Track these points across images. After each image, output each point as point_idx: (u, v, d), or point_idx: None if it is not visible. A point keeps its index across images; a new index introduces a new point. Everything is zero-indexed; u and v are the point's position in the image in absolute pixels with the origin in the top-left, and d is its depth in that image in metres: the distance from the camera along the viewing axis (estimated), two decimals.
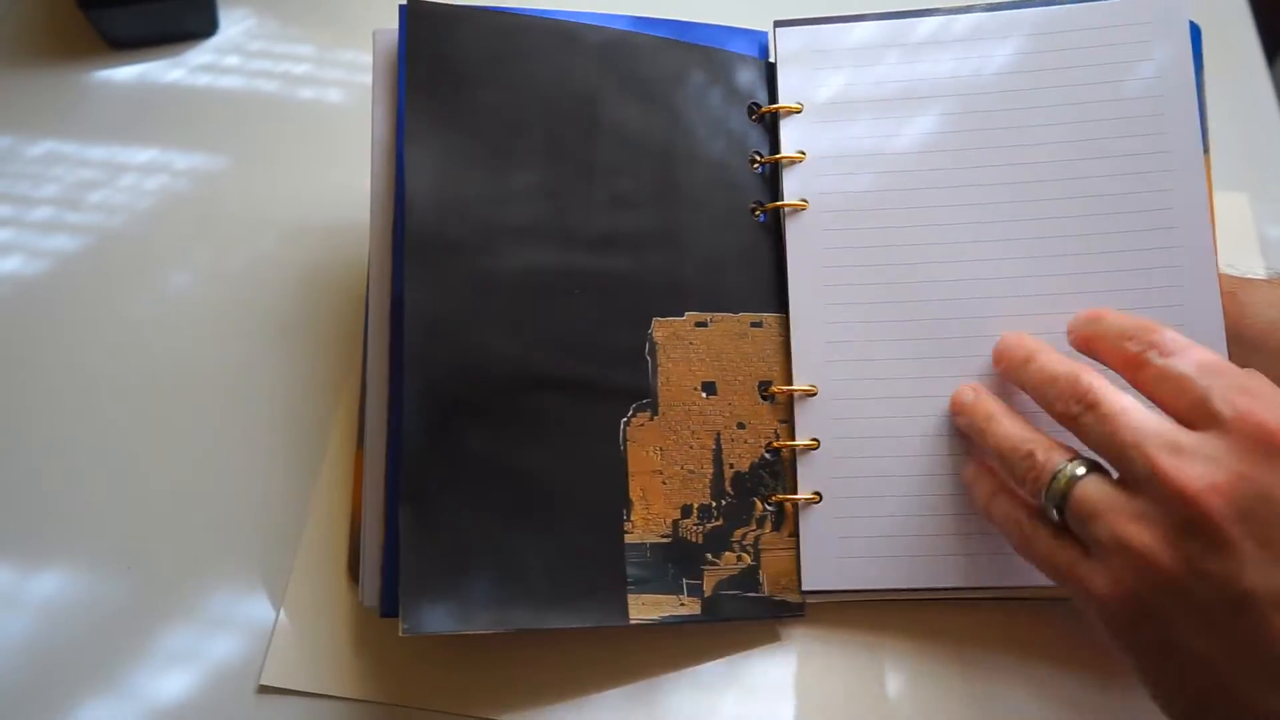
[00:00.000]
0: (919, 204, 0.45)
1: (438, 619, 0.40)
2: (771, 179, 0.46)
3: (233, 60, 0.60)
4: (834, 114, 0.46)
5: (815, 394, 0.44)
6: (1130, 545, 0.33)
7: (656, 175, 0.45)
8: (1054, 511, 0.36)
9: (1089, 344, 0.39)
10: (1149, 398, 0.36)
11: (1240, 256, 0.52)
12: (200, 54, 0.60)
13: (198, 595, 0.45)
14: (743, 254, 0.46)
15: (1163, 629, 0.33)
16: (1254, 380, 0.34)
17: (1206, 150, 0.44)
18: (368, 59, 0.59)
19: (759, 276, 0.46)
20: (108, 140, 0.56)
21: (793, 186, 0.46)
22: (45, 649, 0.44)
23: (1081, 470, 0.35)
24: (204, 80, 0.59)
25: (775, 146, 0.46)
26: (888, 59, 0.46)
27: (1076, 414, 0.36)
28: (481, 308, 0.43)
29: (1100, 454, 0.35)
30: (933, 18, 0.46)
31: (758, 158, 0.46)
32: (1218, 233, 0.44)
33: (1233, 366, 0.35)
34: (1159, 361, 0.35)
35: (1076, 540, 0.36)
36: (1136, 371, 0.36)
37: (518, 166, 0.44)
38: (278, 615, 0.44)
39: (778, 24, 0.47)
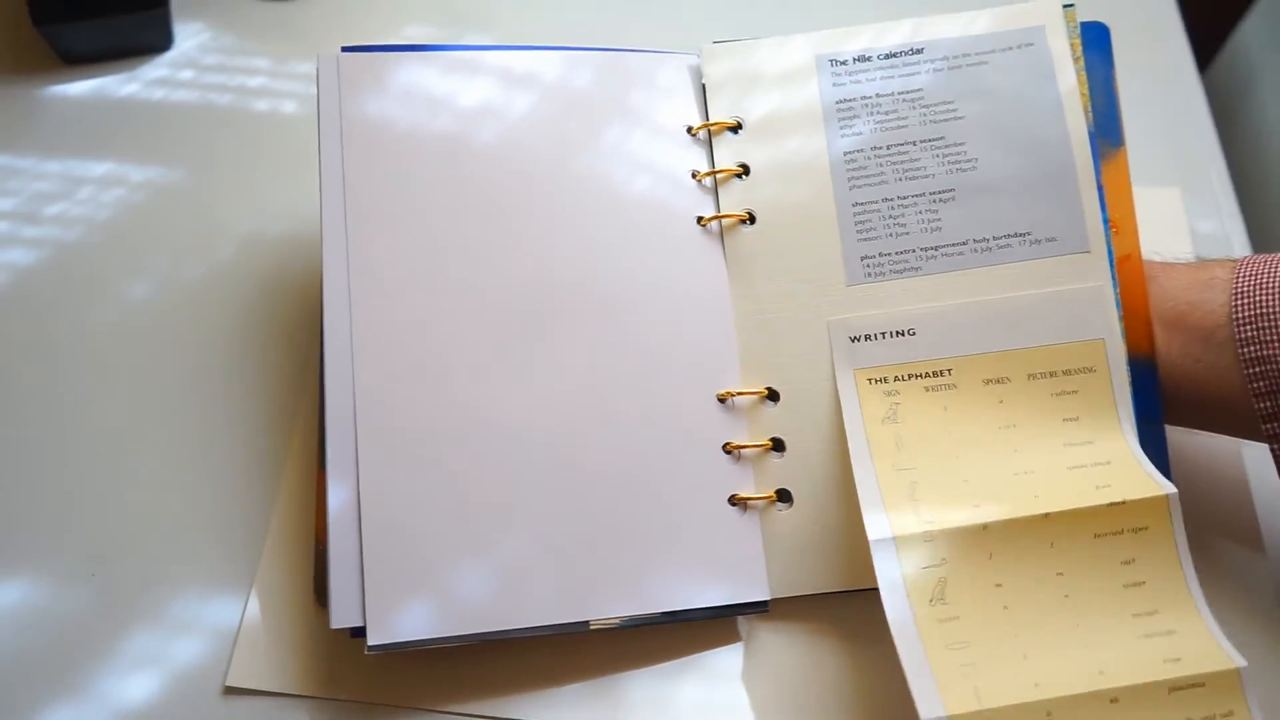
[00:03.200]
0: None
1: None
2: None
3: (187, 75, 0.60)
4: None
5: (772, 396, 0.46)
6: None
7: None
8: None
9: None
10: None
11: (1171, 247, 0.54)
12: (155, 69, 0.60)
13: (161, 600, 0.45)
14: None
15: None
16: None
17: (1122, 144, 0.46)
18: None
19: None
20: (64, 154, 0.57)
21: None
22: (9, 656, 0.44)
23: None
24: (159, 94, 0.59)
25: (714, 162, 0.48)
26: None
27: None
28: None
29: None
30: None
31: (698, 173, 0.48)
32: (1148, 224, 0.47)
33: None
34: None
35: None
36: None
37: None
38: (242, 617, 0.45)
39: (707, 48, 0.49)
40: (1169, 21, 0.67)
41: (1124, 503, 0.41)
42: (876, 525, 0.42)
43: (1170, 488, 0.41)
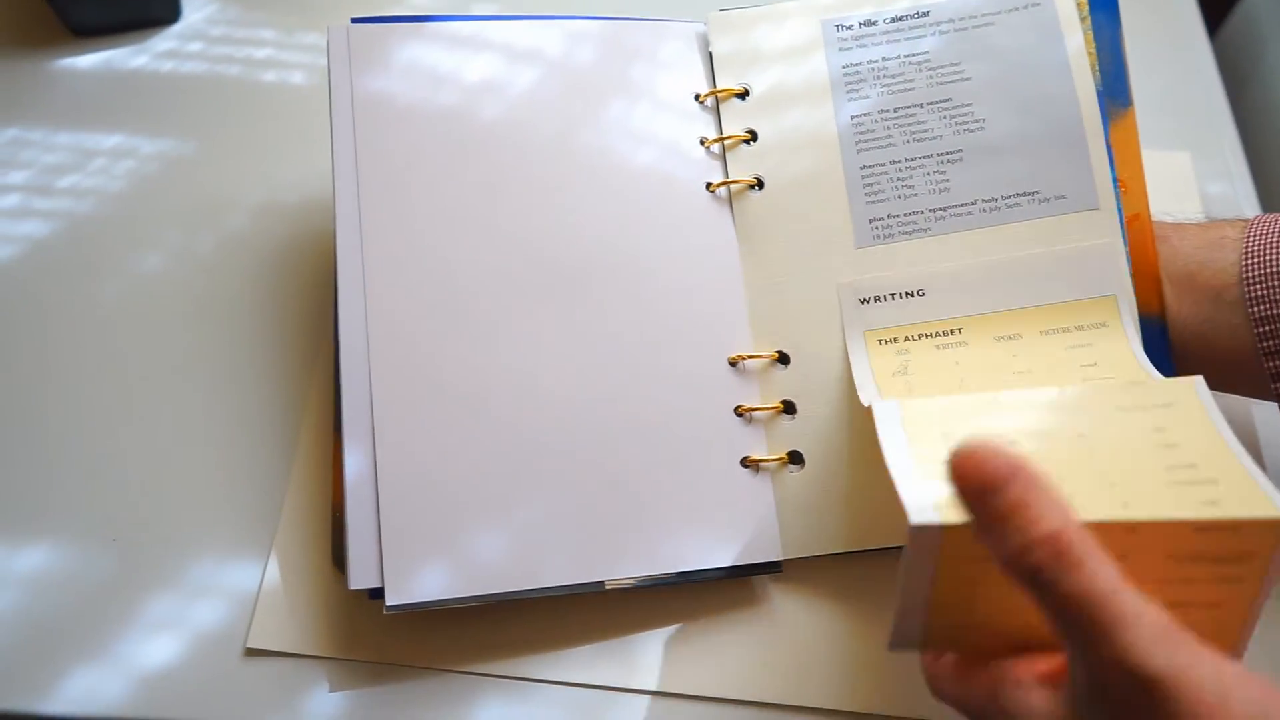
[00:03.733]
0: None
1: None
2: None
3: (196, 46, 0.60)
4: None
5: (783, 359, 0.46)
6: None
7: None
8: None
9: None
10: None
11: (1182, 211, 0.54)
12: (163, 41, 0.60)
13: (181, 565, 0.46)
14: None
15: None
16: None
17: (1130, 104, 0.46)
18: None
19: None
20: (74, 126, 0.57)
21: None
22: (34, 620, 0.44)
23: None
24: (168, 66, 0.60)
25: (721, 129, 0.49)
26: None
27: None
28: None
29: None
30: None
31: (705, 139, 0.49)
32: (1158, 188, 0.47)
33: None
34: None
35: None
36: None
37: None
38: (262, 580, 0.45)
39: (713, 15, 0.49)
40: None
41: (1151, 388, 0.38)
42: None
43: (1201, 381, 0.38)
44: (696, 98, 0.49)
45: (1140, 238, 0.45)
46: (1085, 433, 0.37)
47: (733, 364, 0.46)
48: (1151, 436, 0.37)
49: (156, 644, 0.44)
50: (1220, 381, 0.46)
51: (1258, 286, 0.42)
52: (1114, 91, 0.47)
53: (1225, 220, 0.46)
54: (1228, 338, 0.43)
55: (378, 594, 0.42)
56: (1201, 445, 0.36)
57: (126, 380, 0.50)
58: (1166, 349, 0.44)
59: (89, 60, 0.59)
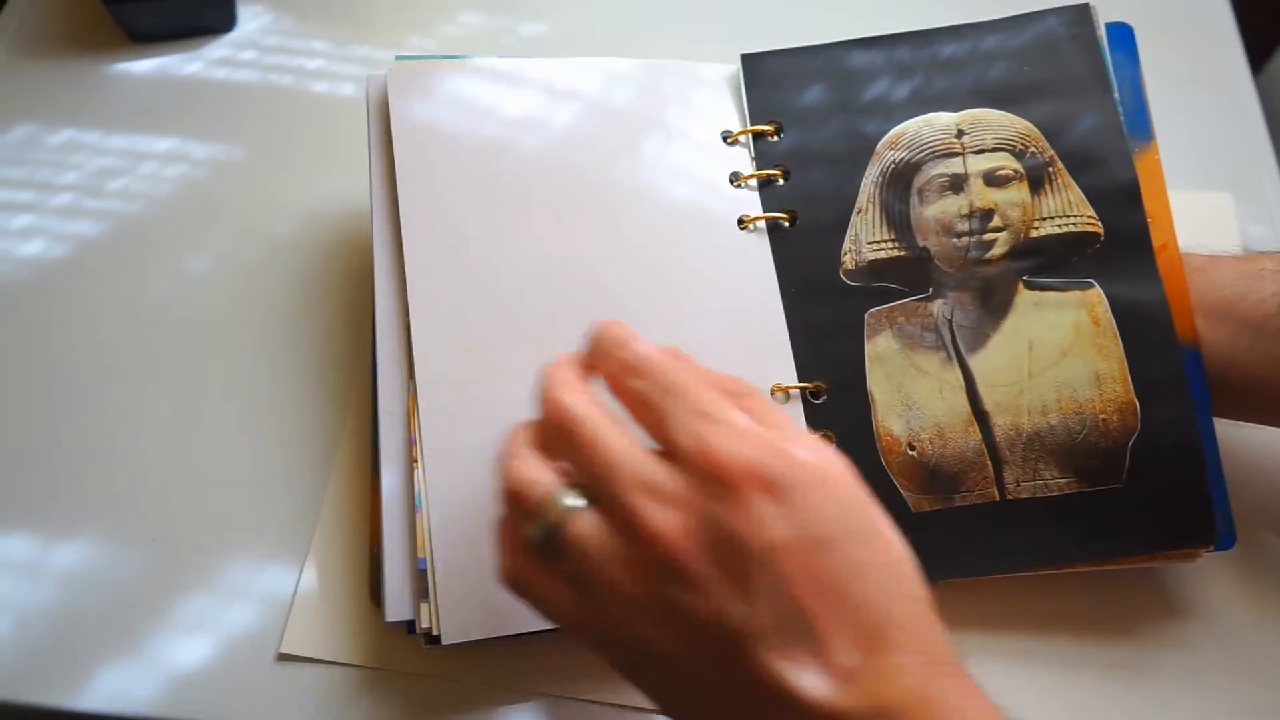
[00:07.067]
0: None
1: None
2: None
3: (249, 55, 0.61)
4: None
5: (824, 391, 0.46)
6: (620, 591, 0.32)
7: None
8: (543, 538, 0.33)
9: (588, 361, 0.36)
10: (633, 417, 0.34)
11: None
12: (218, 48, 0.61)
13: (217, 567, 0.46)
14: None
15: (663, 669, 0.32)
16: (714, 405, 0.33)
17: (1152, 138, 0.47)
18: (379, 54, 0.61)
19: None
20: (127, 130, 0.58)
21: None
22: (68, 616, 0.45)
23: (579, 502, 0.33)
24: (221, 74, 0.60)
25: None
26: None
27: (553, 439, 0.34)
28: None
29: (583, 483, 0.34)
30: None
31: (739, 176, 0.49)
32: (1199, 228, 0.47)
33: (697, 386, 0.33)
34: (630, 382, 0.34)
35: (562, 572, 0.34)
36: (617, 390, 0.35)
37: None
38: (297, 586, 0.46)
39: (745, 56, 0.50)
40: (1222, 24, 0.67)
41: None
42: None
43: None
44: (724, 137, 0.49)
45: (1169, 267, 0.45)
46: None
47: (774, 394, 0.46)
48: None
49: (189, 645, 0.44)
50: (1260, 412, 0.46)
51: None
52: (1134, 126, 0.47)
53: (1263, 253, 0.46)
54: (1268, 367, 0.43)
55: (413, 628, 0.42)
56: None
57: (169, 381, 0.51)
58: (1200, 377, 0.44)
59: (144, 65, 0.60)
